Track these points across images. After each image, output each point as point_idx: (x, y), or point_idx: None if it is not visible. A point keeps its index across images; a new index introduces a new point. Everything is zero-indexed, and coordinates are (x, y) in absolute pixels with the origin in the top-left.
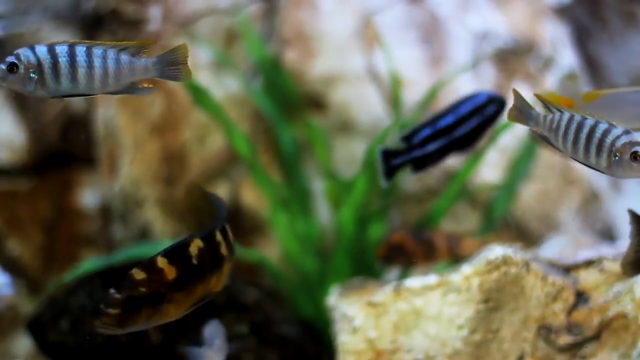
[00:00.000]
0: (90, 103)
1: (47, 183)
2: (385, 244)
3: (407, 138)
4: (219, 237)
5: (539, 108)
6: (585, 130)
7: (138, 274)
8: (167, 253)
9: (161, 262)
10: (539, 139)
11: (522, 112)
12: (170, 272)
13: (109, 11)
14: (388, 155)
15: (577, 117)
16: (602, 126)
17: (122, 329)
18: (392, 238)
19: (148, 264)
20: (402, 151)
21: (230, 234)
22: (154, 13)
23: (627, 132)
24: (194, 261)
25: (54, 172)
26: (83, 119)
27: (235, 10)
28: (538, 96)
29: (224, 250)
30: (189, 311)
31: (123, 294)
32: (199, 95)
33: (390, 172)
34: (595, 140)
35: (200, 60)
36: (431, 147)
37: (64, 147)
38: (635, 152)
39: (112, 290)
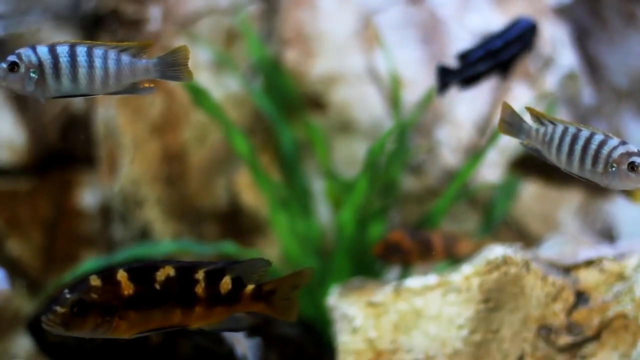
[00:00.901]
0: (90, 103)
1: (47, 183)
2: (382, 241)
3: (463, 57)
4: (200, 276)
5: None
6: (581, 142)
7: (94, 280)
8: (130, 269)
9: (121, 275)
10: (530, 152)
11: (513, 126)
12: (127, 288)
13: (109, 11)
14: (444, 71)
15: (572, 129)
16: (598, 137)
17: (67, 330)
18: (389, 236)
19: (107, 274)
20: (457, 70)
21: (228, 284)
22: (154, 13)
23: (623, 143)
24: (157, 286)
25: (54, 172)
26: (83, 119)
27: (235, 10)
28: (530, 109)
29: (199, 290)
30: (145, 334)
31: (74, 296)
32: (199, 95)
33: (444, 87)
34: (591, 152)
35: (200, 60)
36: (481, 67)
37: (64, 147)
38: (633, 162)
39: (66, 290)
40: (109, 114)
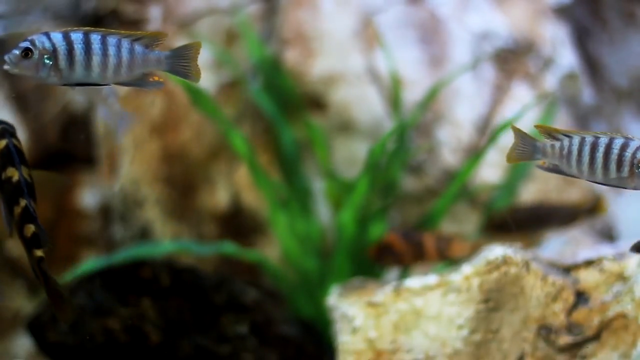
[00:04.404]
0: (90, 103)
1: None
2: (376, 244)
3: None
4: (22, 203)
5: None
6: (601, 149)
7: None
8: (12, 146)
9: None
10: (547, 171)
11: (526, 149)
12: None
13: (109, 11)
14: None
15: (589, 138)
16: (619, 141)
17: None
18: (382, 238)
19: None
20: None
21: (29, 232)
22: (154, 13)
23: None
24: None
25: (54, 172)
26: (83, 119)
27: (235, 10)
28: (540, 127)
29: (17, 210)
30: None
31: None
32: (198, 96)
33: None
34: (613, 157)
35: (200, 60)
36: None
37: (64, 147)
38: None
39: None
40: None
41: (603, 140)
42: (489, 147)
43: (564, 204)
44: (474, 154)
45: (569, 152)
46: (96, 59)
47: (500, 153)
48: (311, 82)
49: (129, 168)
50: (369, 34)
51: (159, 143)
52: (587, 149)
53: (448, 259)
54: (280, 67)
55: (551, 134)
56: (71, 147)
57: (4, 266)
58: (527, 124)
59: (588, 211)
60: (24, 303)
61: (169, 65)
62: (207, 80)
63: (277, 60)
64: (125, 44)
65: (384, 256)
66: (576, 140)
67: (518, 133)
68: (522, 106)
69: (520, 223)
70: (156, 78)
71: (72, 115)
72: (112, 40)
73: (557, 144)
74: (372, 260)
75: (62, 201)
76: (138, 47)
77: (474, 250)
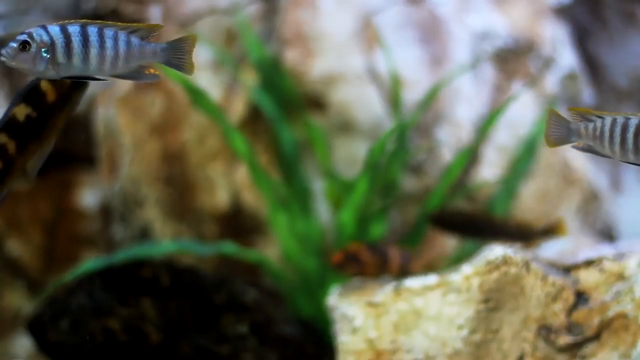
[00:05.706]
0: (90, 103)
1: (47, 183)
2: (341, 251)
3: None
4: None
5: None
6: (632, 130)
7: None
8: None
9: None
10: (583, 151)
11: (561, 131)
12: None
13: (109, 11)
14: None
15: (620, 119)
16: None
17: None
18: (348, 247)
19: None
20: None
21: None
22: (154, 13)
23: None
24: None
25: (54, 172)
26: (83, 119)
27: (235, 10)
28: (574, 109)
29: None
30: None
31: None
32: (197, 96)
33: None
34: None
35: (200, 59)
36: None
37: (64, 147)
38: None
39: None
40: (109, 114)
41: (633, 121)
42: (480, 142)
43: (513, 221)
44: (465, 149)
45: (602, 132)
46: (93, 51)
47: (500, 152)
48: (311, 82)
49: (129, 168)
50: (369, 34)
51: (159, 143)
52: (618, 130)
53: (407, 273)
54: (280, 67)
55: (584, 115)
56: (71, 147)
57: (4, 266)
58: (526, 124)
59: (543, 233)
60: (24, 303)
61: (165, 57)
62: (207, 80)
63: (277, 60)
64: (122, 36)
65: (348, 264)
66: (608, 121)
67: (553, 116)
68: (521, 106)
69: (455, 227)
70: (152, 71)
71: (72, 115)
72: (109, 33)
73: (590, 125)
74: (333, 268)
75: (62, 201)
76: (134, 40)
77: (427, 268)
